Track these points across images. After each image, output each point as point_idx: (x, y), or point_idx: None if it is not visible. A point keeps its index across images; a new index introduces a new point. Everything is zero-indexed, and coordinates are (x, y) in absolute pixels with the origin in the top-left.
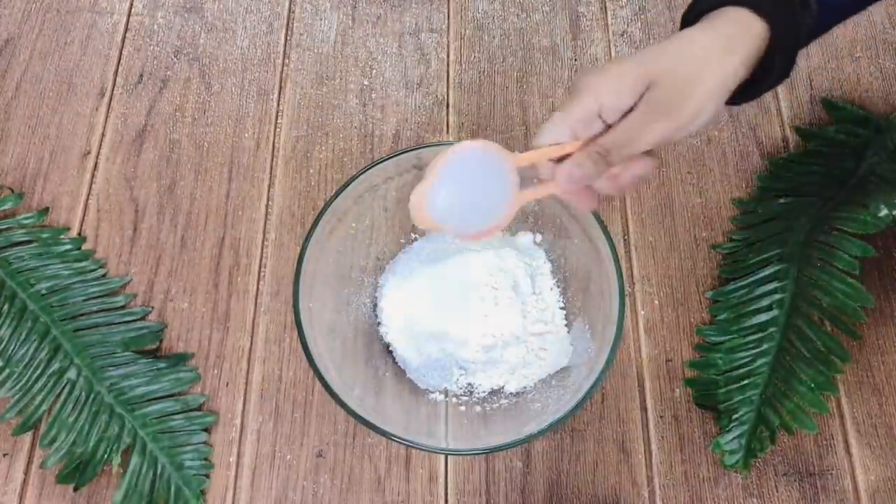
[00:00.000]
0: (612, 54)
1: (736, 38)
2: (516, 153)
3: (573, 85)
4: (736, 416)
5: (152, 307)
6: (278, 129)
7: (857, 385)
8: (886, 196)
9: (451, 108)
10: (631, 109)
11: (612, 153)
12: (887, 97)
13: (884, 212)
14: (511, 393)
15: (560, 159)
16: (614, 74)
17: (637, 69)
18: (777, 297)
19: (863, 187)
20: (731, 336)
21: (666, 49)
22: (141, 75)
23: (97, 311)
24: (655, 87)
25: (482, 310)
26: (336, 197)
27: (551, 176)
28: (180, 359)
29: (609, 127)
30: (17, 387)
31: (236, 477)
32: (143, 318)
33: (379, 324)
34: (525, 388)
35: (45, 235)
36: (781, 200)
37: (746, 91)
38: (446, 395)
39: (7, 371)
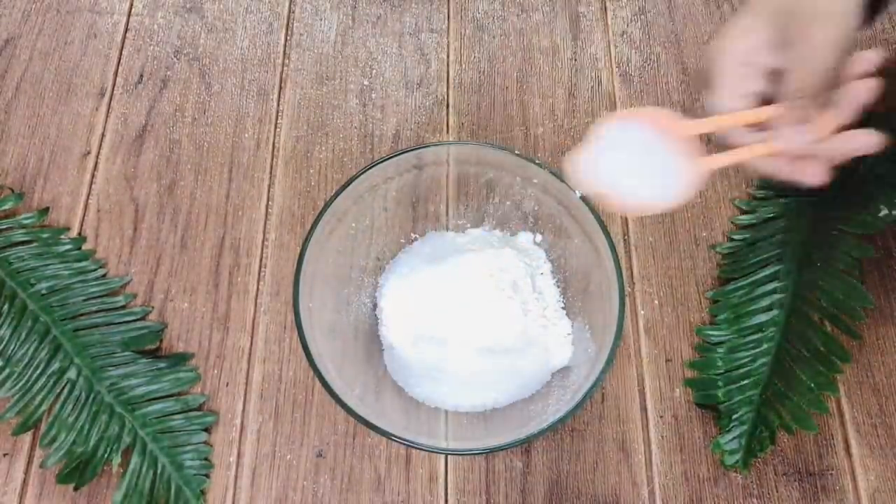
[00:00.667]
0: (613, 54)
1: None
2: (698, 120)
3: (706, 70)
4: (736, 416)
5: (152, 307)
6: (278, 129)
7: (857, 385)
8: (887, 196)
9: (451, 108)
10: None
11: (805, 85)
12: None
13: (884, 212)
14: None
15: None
16: (737, 20)
17: (757, 5)
18: (777, 297)
19: (863, 187)
20: (730, 336)
21: None
22: (141, 75)
23: (97, 311)
24: (790, 6)
25: (483, 314)
26: (336, 197)
27: (744, 140)
28: (180, 359)
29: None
30: (17, 387)
31: (236, 477)
32: (143, 318)
33: (379, 324)
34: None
35: (45, 235)
36: (781, 200)
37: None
38: None
39: (7, 371)
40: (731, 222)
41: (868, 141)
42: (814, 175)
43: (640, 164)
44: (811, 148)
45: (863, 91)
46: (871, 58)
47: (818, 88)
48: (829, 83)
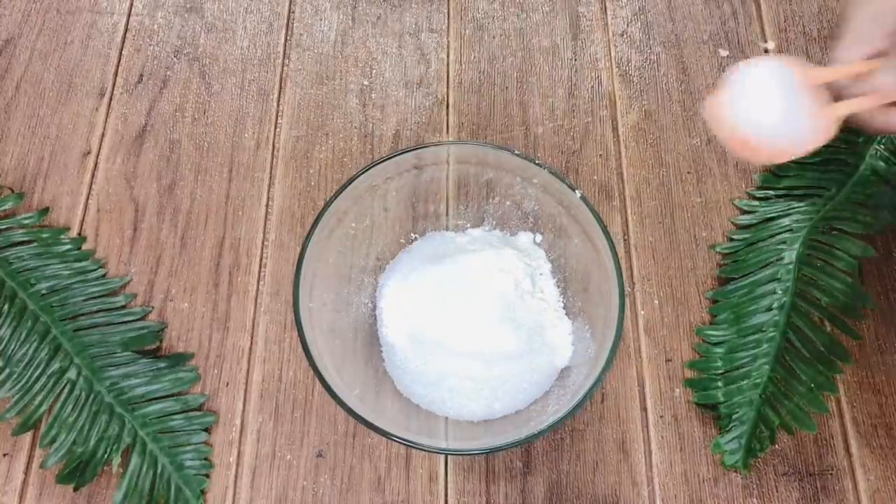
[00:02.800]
0: (613, 54)
1: None
2: (821, 67)
3: (837, 26)
4: (736, 416)
5: (152, 307)
6: (278, 129)
7: (857, 385)
8: (885, 195)
9: (451, 108)
10: None
11: None
12: None
13: (884, 211)
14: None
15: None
16: None
17: None
18: (777, 297)
19: (861, 187)
20: (730, 336)
21: None
22: (141, 75)
23: (97, 311)
24: None
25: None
26: (336, 197)
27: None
28: (180, 359)
29: None
30: (17, 387)
31: (236, 477)
32: (143, 318)
33: (378, 324)
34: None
35: (45, 235)
36: (781, 200)
37: None
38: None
39: (7, 371)
40: (731, 222)
41: None
42: None
43: (779, 109)
44: None
45: None
46: None
47: None
48: None
